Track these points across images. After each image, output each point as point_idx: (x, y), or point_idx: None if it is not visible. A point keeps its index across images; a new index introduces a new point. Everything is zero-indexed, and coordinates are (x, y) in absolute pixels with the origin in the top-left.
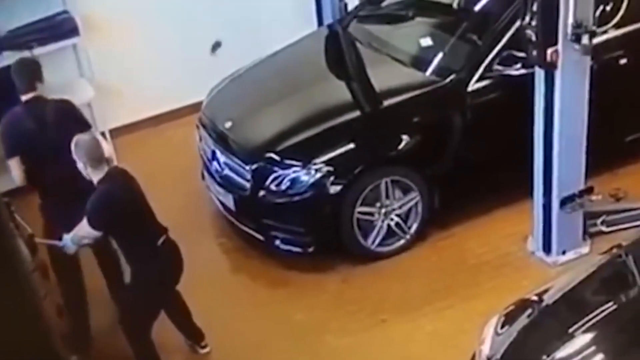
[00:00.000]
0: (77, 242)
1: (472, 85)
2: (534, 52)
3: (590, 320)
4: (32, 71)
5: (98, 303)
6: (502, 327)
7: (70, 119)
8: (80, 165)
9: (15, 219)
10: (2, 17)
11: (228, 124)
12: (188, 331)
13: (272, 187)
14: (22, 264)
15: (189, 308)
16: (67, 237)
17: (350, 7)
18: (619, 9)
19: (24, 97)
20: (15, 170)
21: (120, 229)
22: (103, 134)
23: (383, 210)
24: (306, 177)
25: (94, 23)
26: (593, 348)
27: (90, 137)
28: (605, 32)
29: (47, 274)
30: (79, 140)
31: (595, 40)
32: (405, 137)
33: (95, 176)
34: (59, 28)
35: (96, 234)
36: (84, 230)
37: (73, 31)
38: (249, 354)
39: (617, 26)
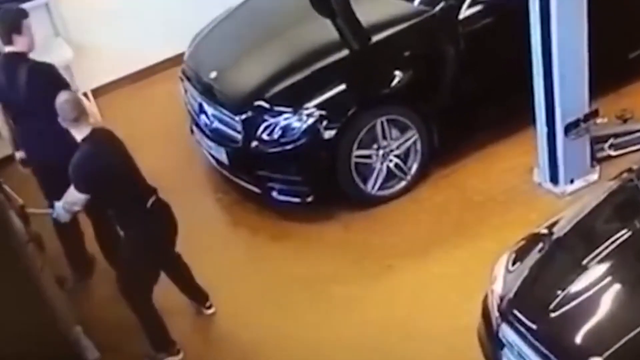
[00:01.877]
0: (68, 209)
1: (464, 12)
2: None
3: (604, 250)
4: (8, 23)
5: (98, 272)
6: (514, 264)
7: (45, 81)
8: (64, 125)
9: (5, 190)
10: None
11: (213, 74)
12: (191, 293)
13: (264, 136)
14: (15, 236)
15: (190, 270)
16: (59, 205)
17: None
18: None
19: (5, 49)
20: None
21: (107, 191)
22: (85, 94)
23: (381, 152)
24: (298, 123)
25: None
26: (609, 279)
27: (65, 98)
28: None
29: (42, 244)
30: (56, 102)
31: None
32: (397, 73)
33: (78, 135)
34: None
35: (83, 197)
36: (71, 195)
37: None
38: (255, 310)
39: None
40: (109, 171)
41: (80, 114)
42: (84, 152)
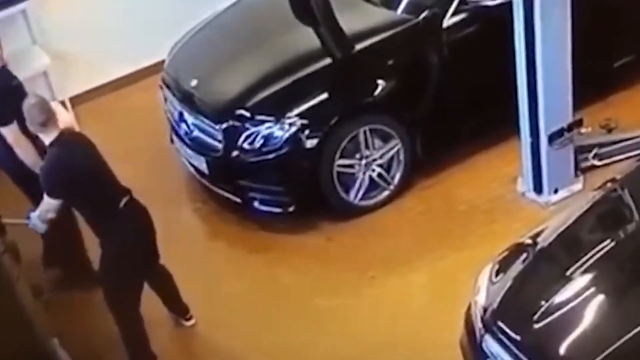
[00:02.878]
0: (43, 218)
1: (447, 21)
2: None
3: (588, 260)
4: None
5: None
6: (497, 274)
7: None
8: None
9: None
10: None
11: (193, 82)
12: (173, 305)
13: (246, 145)
14: None
15: (174, 282)
16: (34, 215)
17: None
18: None
19: None
20: None
21: (77, 193)
22: (63, 102)
23: (364, 162)
24: (280, 132)
25: None
26: (593, 289)
27: (32, 102)
28: None
29: (17, 255)
30: (23, 106)
31: None
32: (380, 82)
33: (46, 139)
34: None
35: (55, 202)
36: (44, 202)
37: None
38: (236, 322)
39: None
40: (79, 173)
41: (49, 118)
42: (52, 155)
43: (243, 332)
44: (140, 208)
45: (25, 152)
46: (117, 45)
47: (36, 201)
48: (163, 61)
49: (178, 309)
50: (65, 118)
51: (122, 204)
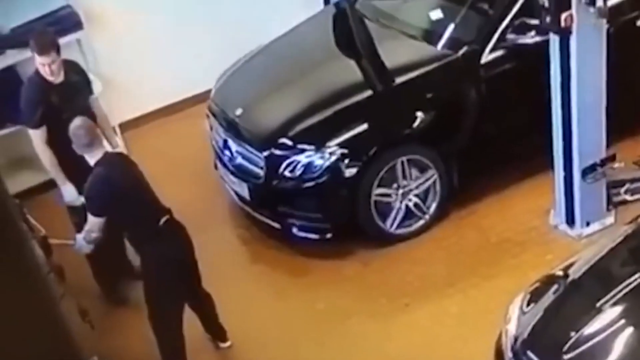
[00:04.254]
0: (88, 239)
1: (486, 57)
2: (548, 18)
3: (618, 293)
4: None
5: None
6: (528, 304)
7: None
8: (78, 152)
9: (28, 220)
10: (4, 15)
11: (238, 111)
12: (212, 327)
13: (287, 173)
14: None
15: (215, 308)
16: (80, 237)
17: None
18: None
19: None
20: None
21: (119, 211)
22: (113, 128)
23: (400, 191)
24: (320, 161)
25: (97, 16)
26: (623, 322)
27: (78, 124)
28: None
29: (63, 275)
30: (70, 128)
31: (610, 2)
32: (419, 114)
33: (91, 160)
34: (63, 23)
35: (98, 221)
36: (89, 222)
37: (77, 25)
38: (272, 346)
39: None
40: (121, 191)
41: (94, 140)
42: (96, 175)
43: (278, 355)
44: (179, 227)
45: (47, 159)
46: (166, 75)
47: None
48: (209, 91)
49: (216, 331)
50: (118, 143)
51: (161, 222)
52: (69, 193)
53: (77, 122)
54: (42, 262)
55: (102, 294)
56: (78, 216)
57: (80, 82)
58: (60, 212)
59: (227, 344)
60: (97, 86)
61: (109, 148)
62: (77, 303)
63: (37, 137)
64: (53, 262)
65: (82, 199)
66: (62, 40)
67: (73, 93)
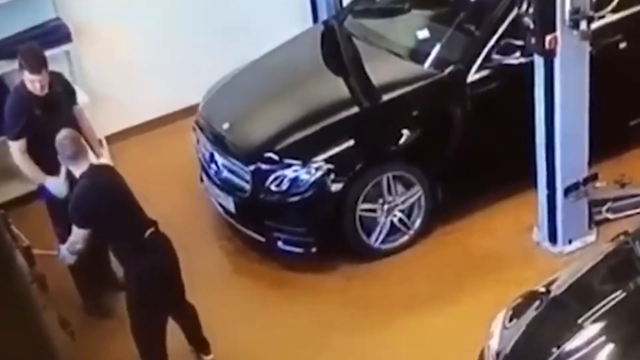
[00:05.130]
0: (71, 250)
1: (471, 76)
2: (532, 40)
3: (599, 310)
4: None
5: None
6: (510, 320)
7: None
8: (63, 163)
9: (12, 230)
10: None
11: (226, 125)
12: (195, 339)
13: (273, 187)
14: (20, 276)
15: (199, 320)
16: (63, 247)
17: (345, 3)
18: None
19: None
20: None
21: (104, 223)
22: (99, 140)
23: (386, 207)
24: (306, 176)
25: (87, 29)
26: (603, 338)
27: (64, 135)
28: (602, 16)
29: (45, 285)
30: (55, 139)
31: (594, 26)
32: (405, 132)
33: (76, 172)
34: (52, 35)
35: (83, 233)
36: (73, 234)
37: (66, 38)
38: (254, 359)
39: (615, 10)
40: (106, 203)
41: (79, 151)
42: (81, 187)
43: None
44: (165, 240)
45: (26, 165)
46: (154, 89)
47: (62, 239)
48: (196, 105)
49: (199, 343)
50: (104, 155)
51: (147, 234)
52: (56, 184)
53: (63, 133)
54: (25, 272)
55: (84, 305)
56: (62, 227)
57: (64, 92)
58: (44, 223)
59: (210, 356)
60: (84, 98)
61: (94, 160)
62: (59, 313)
63: (15, 148)
64: (36, 272)
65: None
66: (51, 52)
67: (57, 104)
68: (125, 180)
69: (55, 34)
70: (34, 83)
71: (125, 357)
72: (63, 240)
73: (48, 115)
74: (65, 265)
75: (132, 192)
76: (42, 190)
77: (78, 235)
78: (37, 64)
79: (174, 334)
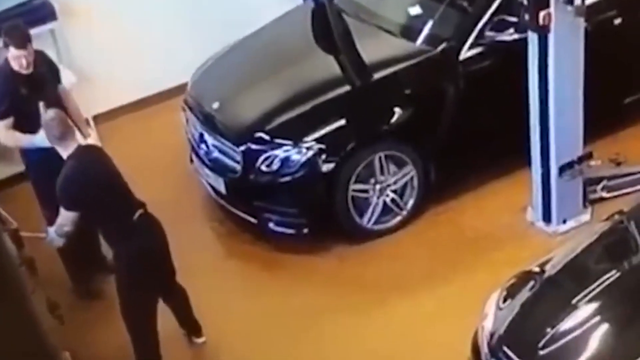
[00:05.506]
0: (60, 233)
1: (464, 54)
2: (526, 16)
3: (593, 289)
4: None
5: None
6: (504, 301)
7: None
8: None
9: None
10: None
11: (215, 105)
12: (186, 322)
13: (263, 167)
14: (8, 259)
15: (190, 303)
16: (51, 230)
17: None
18: None
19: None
20: None
21: (92, 205)
22: (86, 120)
23: (378, 187)
24: (297, 156)
25: (72, 7)
26: (598, 318)
27: (50, 116)
28: None
29: (34, 268)
30: (42, 120)
31: (588, 1)
32: (397, 110)
33: (64, 153)
34: (36, 13)
35: (71, 215)
36: (61, 216)
37: (50, 16)
38: (246, 341)
39: None
40: (94, 184)
41: (66, 132)
42: (69, 168)
43: (253, 350)
44: (154, 221)
45: (11, 138)
46: (141, 67)
47: (50, 222)
48: (185, 84)
49: (190, 326)
50: (91, 135)
51: (135, 216)
52: (39, 139)
53: (50, 114)
54: (14, 255)
55: (74, 288)
56: (49, 210)
57: (48, 71)
58: (31, 205)
59: (202, 339)
60: (70, 78)
61: (82, 141)
62: (47, 297)
63: (1, 127)
64: (25, 255)
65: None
66: (35, 31)
67: (42, 83)
68: (114, 161)
69: (39, 12)
70: (20, 59)
71: (116, 340)
72: (51, 222)
73: (34, 94)
74: (54, 248)
75: (120, 173)
76: (29, 168)
77: (66, 217)
78: (22, 39)
79: (166, 317)
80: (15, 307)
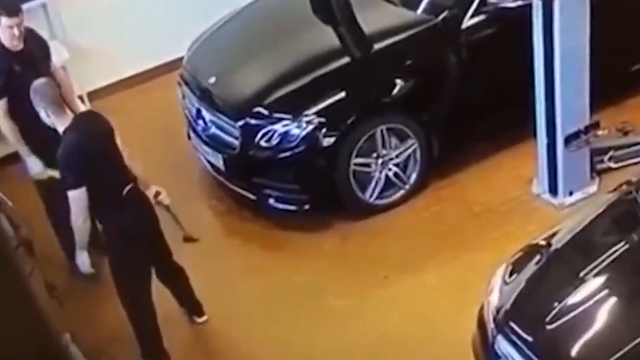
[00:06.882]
0: (81, 242)
1: (467, 22)
2: None
3: (601, 262)
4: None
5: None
6: (511, 275)
7: None
8: (42, 114)
9: None
10: None
11: (212, 79)
12: (186, 302)
13: (263, 143)
14: (4, 239)
15: (188, 279)
16: (77, 256)
17: None
18: None
19: None
20: None
21: (89, 175)
22: (80, 97)
23: (380, 161)
24: (297, 130)
25: None
26: (606, 291)
27: (42, 82)
28: None
29: (32, 249)
30: (32, 87)
31: None
32: (398, 82)
33: (60, 125)
34: None
35: (81, 198)
36: (73, 206)
37: None
38: (248, 320)
39: None
40: (89, 153)
41: (58, 97)
42: (67, 140)
43: (255, 329)
44: (142, 197)
45: (9, 131)
46: (136, 42)
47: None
48: (181, 58)
49: (191, 305)
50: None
51: (125, 190)
52: (35, 165)
53: (40, 81)
54: (11, 236)
55: (72, 267)
56: (45, 190)
57: (38, 48)
58: (26, 185)
59: (203, 318)
60: (63, 54)
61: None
62: (44, 278)
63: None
64: (22, 236)
65: (49, 172)
66: (26, 6)
67: (34, 60)
68: (111, 125)
69: None
70: (12, 29)
71: (116, 319)
72: (48, 203)
73: (27, 71)
74: (88, 272)
75: (115, 143)
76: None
77: (77, 203)
78: (14, 7)
79: (166, 296)
80: (15, 289)
